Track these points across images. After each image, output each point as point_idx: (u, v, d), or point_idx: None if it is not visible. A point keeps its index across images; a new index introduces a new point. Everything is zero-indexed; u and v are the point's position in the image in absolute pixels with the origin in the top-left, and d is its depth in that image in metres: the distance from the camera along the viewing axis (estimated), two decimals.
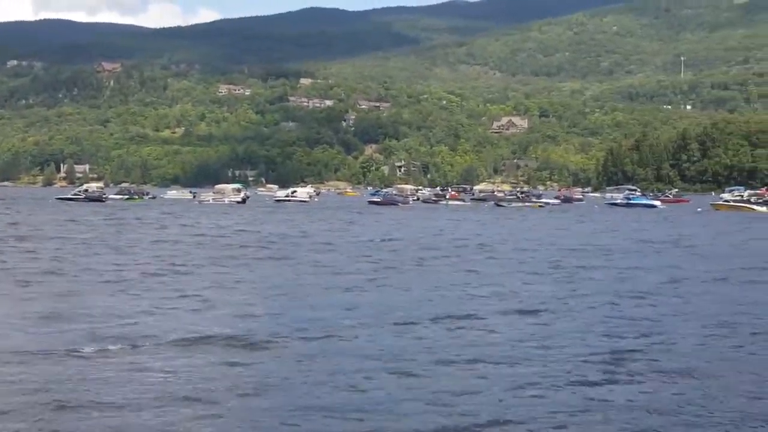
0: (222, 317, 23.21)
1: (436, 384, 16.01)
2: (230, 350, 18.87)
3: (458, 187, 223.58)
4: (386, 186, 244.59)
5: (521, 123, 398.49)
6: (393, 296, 27.71)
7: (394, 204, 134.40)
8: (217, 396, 15.08)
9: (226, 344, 19.43)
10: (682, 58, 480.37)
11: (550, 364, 17.63)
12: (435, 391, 15.45)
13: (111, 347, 18.84)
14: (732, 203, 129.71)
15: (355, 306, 25.12)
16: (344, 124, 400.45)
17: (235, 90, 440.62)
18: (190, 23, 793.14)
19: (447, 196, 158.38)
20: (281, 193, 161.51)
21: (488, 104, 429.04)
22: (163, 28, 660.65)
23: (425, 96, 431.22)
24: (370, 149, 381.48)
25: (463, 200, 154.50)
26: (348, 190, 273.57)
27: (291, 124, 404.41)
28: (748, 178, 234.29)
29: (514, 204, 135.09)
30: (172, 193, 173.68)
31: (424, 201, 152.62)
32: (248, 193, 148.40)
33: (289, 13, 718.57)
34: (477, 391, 15.55)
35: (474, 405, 14.69)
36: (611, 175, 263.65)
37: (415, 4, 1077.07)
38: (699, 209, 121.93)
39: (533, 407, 14.60)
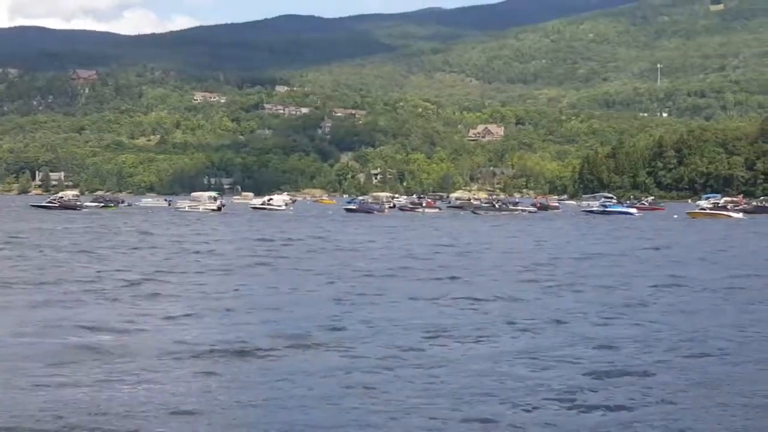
0: (204, 327, 22.72)
1: (419, 401, 15.37)
2: (212, 362, 18.35)
3: (434, 195, 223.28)
4: (362, 194, 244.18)
5: (497, 131, 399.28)
6: (375, 307, 27.06)
7: (370, 212, 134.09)
8: (200, 409, 14.60)
9: (209, 355, 18.93)
10: (658, 66, 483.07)
11: (529, 383, 17.02)
12: (418, 408, 14.87)
13: (89, 358, 18.35)
14: (708, 211, 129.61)
15: (340, 317, 24.50)
16: (320, 131, 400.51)
17: (211, 97, 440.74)
18: (165, 30, 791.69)
19: (423, 204, 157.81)
20: (257, 201, 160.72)
21: (464, 112, 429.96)
22: (139, 36, 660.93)
23: (401, 104, 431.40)
24: (346, 157, 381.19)
25: (440, 208, 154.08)
26: (324, 197, 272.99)
27: (267, 131, 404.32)
28: (724, 185, 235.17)
29: (490, 212, 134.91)
30: (148, 201, 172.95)
31: (401, 209, 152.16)
32: (224, 201, 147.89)
33: (265, 20, 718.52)
34: (457, 408, 14.93)
35: (456, 422, 14.13)
36: (587, 182, 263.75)
37: (391, 12, 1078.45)
38: (675, 216, 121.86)
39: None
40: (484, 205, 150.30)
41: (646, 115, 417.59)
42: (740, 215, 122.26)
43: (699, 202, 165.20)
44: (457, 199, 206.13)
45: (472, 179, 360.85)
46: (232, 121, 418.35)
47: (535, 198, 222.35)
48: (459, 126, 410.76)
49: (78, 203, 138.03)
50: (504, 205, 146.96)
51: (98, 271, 37.46)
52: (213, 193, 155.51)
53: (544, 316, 24.97)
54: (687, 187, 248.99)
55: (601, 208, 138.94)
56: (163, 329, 22.35)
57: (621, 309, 26.71)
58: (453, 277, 36.33)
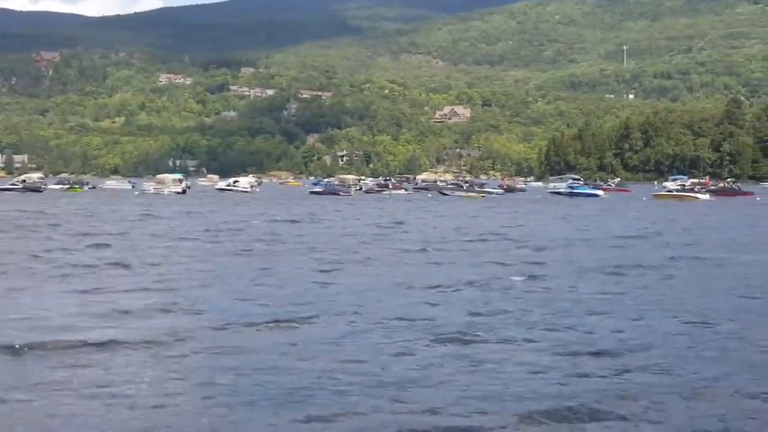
0: (171, 312, 21.83)
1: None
2: (169, 350, 17.44)
3: (400, 177, 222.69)
4: (329, 176, 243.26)
5: (464, 112, 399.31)
6: (347, 297, 25.82)
7: (336, 194, 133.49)
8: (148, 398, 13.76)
9: (165, 345, 17.95)
10: (624, 47, 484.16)
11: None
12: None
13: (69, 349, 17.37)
14: (675, 193, 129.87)
15: (319, 308, 23.02)
16: (286, 113, 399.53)
17: (176, 79, 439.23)
18: (131, 12, 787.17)
19: (390, 186, 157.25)
20: (222, 183, 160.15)
21: (431, 93, 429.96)
22: (104, 17, 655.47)
23: (367, 85, 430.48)
24: (312, 139, 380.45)
25: (406, 189, 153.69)
26: (290, 180, 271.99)
27: (232, 113, 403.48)
28: (691, 167, 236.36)
29: (457, 193, 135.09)
30: (111, 183, 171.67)
31: (367, 191, 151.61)
32: (188, 184, 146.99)
33: (231, 1, 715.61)
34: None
35: None
36: (554, 164, 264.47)
37: None
38: (645, 198, 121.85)
39: None
40: (450, 186, 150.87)
41: (612, 96, 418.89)
42: (707, 197, 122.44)
43: (665, 184, 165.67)
44: (423, 180, 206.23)
45: (438, 161, 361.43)
46: (198, 102, 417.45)
47: (502, 179, 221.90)
48: (425, 107, 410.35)
49: (43, 185, 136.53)
50: (471, 187, 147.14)
51: (71, 253, 36.60)
52: (178, 175, 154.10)
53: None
54: (653, 168, 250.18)
55: (569, 190, 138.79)
56: (144, 319, 21.26)
57: (594, 306, 25.88)
58: (446, 262, 35.37)
